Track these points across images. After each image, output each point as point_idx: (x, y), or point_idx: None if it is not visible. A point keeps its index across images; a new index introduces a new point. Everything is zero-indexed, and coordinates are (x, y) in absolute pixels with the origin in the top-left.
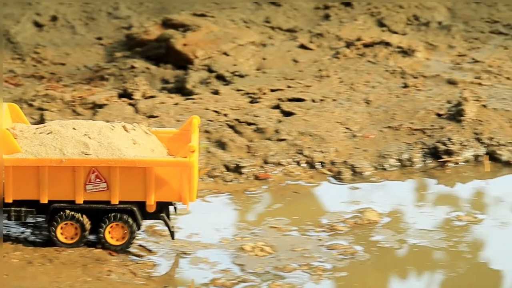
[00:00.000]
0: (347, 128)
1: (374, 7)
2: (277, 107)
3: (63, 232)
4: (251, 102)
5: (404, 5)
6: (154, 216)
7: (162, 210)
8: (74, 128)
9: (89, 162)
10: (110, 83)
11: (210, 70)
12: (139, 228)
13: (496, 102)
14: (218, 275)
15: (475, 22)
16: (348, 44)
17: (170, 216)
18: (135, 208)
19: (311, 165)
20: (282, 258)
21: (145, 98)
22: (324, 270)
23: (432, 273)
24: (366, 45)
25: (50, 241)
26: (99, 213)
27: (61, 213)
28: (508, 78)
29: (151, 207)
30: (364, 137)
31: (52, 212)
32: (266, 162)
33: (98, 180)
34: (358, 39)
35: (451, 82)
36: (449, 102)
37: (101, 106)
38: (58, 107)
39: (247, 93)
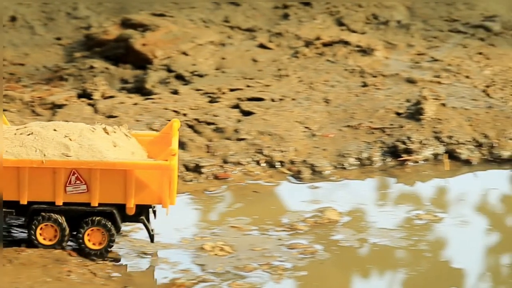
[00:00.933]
0: (306, 127)
1: (333, 6)
2: (236, 106)
3: (42, 233)
4: (210, 101)
5: (363, 4)
6: (134, 219)
7: (142, 213)
8: (55, 130)
9: (70, 164)
10: (70, 83)
11: (169, 70)
12: (118, 232)
13: (455, 101)
14: (178, 275)
15: (434, 20)
16: (307, 44)
17: (150, 219)
18: (115, 211)
19: (271, 164)
20: (242, 257)
21: (104, 98)
22: (284, 269)
23: (393, 272)
24: (325, 44)
25: (11, 242)
26: (78, 215)
27: (41, 214)
28: (467, 77)
29: (131, 209)
30: (324, 136)
31: (31, 213)
32: (225, 162)
33: (78, 182)
34: (317, 38)
35: (410, 81)
36: (408, 101)
37: (60, 106)
38: (18, 108)
39: (206, 93)
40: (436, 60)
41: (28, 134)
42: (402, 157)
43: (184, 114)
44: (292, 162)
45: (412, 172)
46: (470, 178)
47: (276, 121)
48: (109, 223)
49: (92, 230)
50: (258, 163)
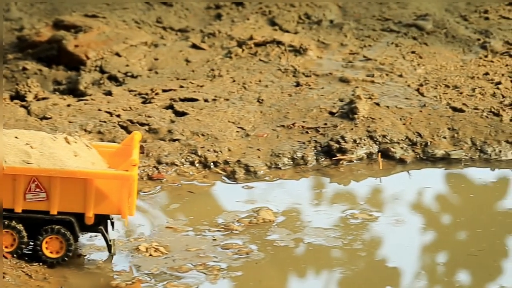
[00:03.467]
0: (240, 127)
1: (265, 6)
2: (170, 107)
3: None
4: (143, 102)
5: (296, 4)
6: (92, 229)
7: (101, 223)
8: (16, 137)
9: (30, 171)
10: (2, 85)
11: (102, 71)
12: (76, 241)
13: (388, 100)
14: (114, 276)
15: (367, 20)
16: (240, 44)
17: (108, 229)
18: (73, 220)
19: (205, 165)
20: (177, 258)
21: (38, 100)
22: (219, 269)
23: (328, 271)
24: (258, 44)
25: None
26: (37, 223)
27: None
28: (400, 76)
29: (89, 219)
30: (257, 136)
31: None
32: (159, 163)
33: (38, 189)
34: (250, 39)
35: (344, 80)
36: (341, 100)
37: None
38: None
39: (140, 94)
40: (369, 59)
41: None
42: (336, 156)
43: (118, 115)
44: (226, 162)
45: (346, 172)
46: (404, 177)
47: (210, 122)
48: (68, 232)
49: (50, 238)
50: (192, 163)
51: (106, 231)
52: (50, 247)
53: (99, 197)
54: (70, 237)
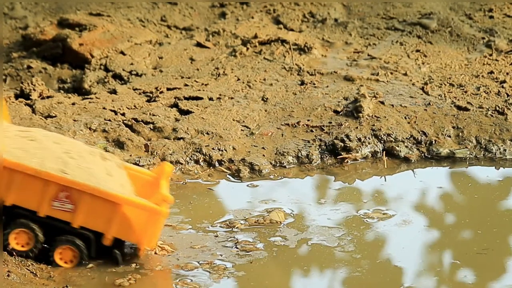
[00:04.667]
0: (244, 126)
1: (270, 4)
2: (174, 105)
3: (17, 237)
4: (148, 101)
5: (300, 3)
6: (107, 250)
7: (117, 246)
8: (56, 143)
9: (65, 181)
10: (7, 83)
11: (107, 70)
12: (89, 258)
13: (393, 98)
14: (119, 275)
15: (371, 18)
16: (245, 42)
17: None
18: (92, 237)
19: (210, 163)
20: (181, 256)
21: (42, 99)
22: (224, 268)
23: (334, 271)
24: (262, 43)
25: None
26: (57, 230)
27: (20, 220)
28: (404, 74)
29: (108, 240)
30: (262, 135)
31: (11, 215)
32: (164, 161)
33: (66, 200)
34: (255, 37)
35: (348, 79)
36: (346, 99)
37: None
38: None
39: (144, 92)
40: (373, 57)
41: (30, 140)
42: (341, 155)
43: (122, 114)
44: (231, 161)
45: (351, 170)
46: (408, 176)
47: (215, 120)
48: (84, 246)
49: (64, 248)
50: (197, 162)
51: (121, 255)
52: (63, 256)
53: (123, 222)
54: (84, 252)
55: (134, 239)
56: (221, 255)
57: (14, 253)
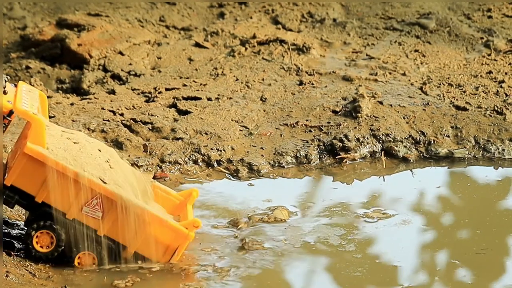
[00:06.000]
0: (243, 126)
1: (268, 4)
2: (173, 106)
3: (39, 235)
4: (146, 101)
5: (299, 3)
6: (125, 261)
7: (136, 259)
8: (99, 150)
9: (101, 189)
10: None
11: (106, 70)
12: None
13: (391, 98)
14: (116, 275)
15: (370, 18)
16: (243, 42)
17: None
18: (115, 248)
19: (208, 163)
20: (183, 257)
21: None
22: (228, 270)
23: (337, 271)
24: (261, 43)
25: None
26: (81, 235)
27: (46, 218)
28: (403, 74)
29: (128, 253)
30: (261, 135)
31: (39, 213)
32: (163, 161)
33: (97, 207)
34: (253, 37)
35: (347, 79)
36: (344, 99)
37: None
38: None
39: (143, 92)
40: (372, 57)
41: (74, 142)
42: (339, 155)
43: (121, 114)
44: (229, 161)
45: (349, 170)
46: (407, 176)
47: (213, 120)
48: (105, 254)
49: (84, 253)
50: (195, 162)
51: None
52: (82, 261)
53: (148, 239)
54: (105, 259)
55: (154, 256)
56: (224, 256)
57: (12, 254)
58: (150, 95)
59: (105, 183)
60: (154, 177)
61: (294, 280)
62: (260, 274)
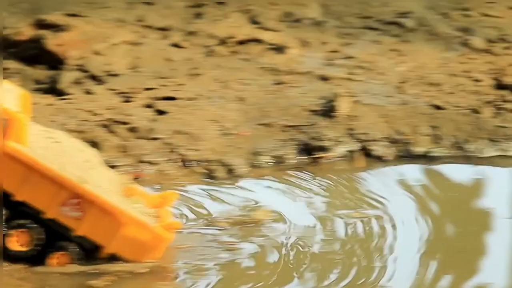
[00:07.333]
0: (220, 125)
1: (246, 4)
2: (150, 106)
3: (18, 234)
4: (124, 101)
5: (277, 2)
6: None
7: (111, 260)
8: (80, 150)
9: (81, 189)
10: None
11: (83, 70)
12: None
13: (368, 98)
14: (93, 275)
15: (348, 18)
16: (221, 42)
17: None
18: (93, 248)
19: (185, 163)
20: (163, 256)
21: None
22: (206, 268)
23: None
24: (239, 43)
25: None
26: (60, 234)
27: (25, 217)
28: (380, 74)
29: (105, 254)
30: (238, 135)
31: (18, 212)
32: (140, 161)
33: (76, 207)
34: (231, 37)
35: (324, 78)
36: (322, 98)
37: None
38: None
39: (121, 93)
40: (350, 57)
41: (55, 142)
42: (316, 154)
43: (99, 114)
44: (206, 161)
45: (326, 169)
46: (384, 175)
47: (190, 120)
48: (83, 254)
49: (62, 253)
50: (172, 162)
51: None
52: (59, 261)
53: (126, 240)
54: (82, 258)
55: (132, 257)
56: (203, 255)
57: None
58: (128, 95)
59: (84, 183)
60: (132, 177)
61: (271, 278)
62: (238, 272)
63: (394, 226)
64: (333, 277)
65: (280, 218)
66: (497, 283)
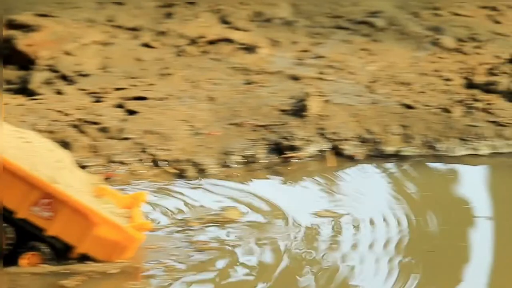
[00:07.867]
0: (191, 125)
1: (216, 4)
2: (121, 106)
3: None
4: (95, 101)
5: (247, 2)
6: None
7: (82, 260)
8: (51, 150)
9: (52, 189)
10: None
11: (54, 70)
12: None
13: (339, 97)
14: (64, 275)
15: (318, 17)
16: (192, 42)
17: None
18: (63, 248)
19: (156, 163)
20: (134, 256)
21: None
22: (178, 269)
23: (288, 270)
24: (209, 42)
25: None
26: (30, 235)
27: None
28: (351, 73)
29: (76, 254)
30: (209, 135)
31: None
32: (110, 161)
33: (47, 207)
34: (201, 37)
35: (295, 78)
36: (292, 97)
37: None
38: None
39: (91, 93)
40: (320, 56)
41: (26, 142)
42: (286, 154)
43: (69, 114)
44: (177, 161)
45: (297, 169)
46: (355, 174)
47: (161, 120)
48: (54, 254)
49: (33, 253)
50: (142, 162)
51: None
52: (30, 261)
53: (97, 240)
54: (53, 260)
55: (102, 256)
56: (173, 255)
57: None
58: (98, 95)
59: (56, 183)
60: (102, 178)
61: (243, 278)
62: (209, 273)
63: (365, 225)
64: (305, 278)
65: (252, 217)
66: (469, 283)
